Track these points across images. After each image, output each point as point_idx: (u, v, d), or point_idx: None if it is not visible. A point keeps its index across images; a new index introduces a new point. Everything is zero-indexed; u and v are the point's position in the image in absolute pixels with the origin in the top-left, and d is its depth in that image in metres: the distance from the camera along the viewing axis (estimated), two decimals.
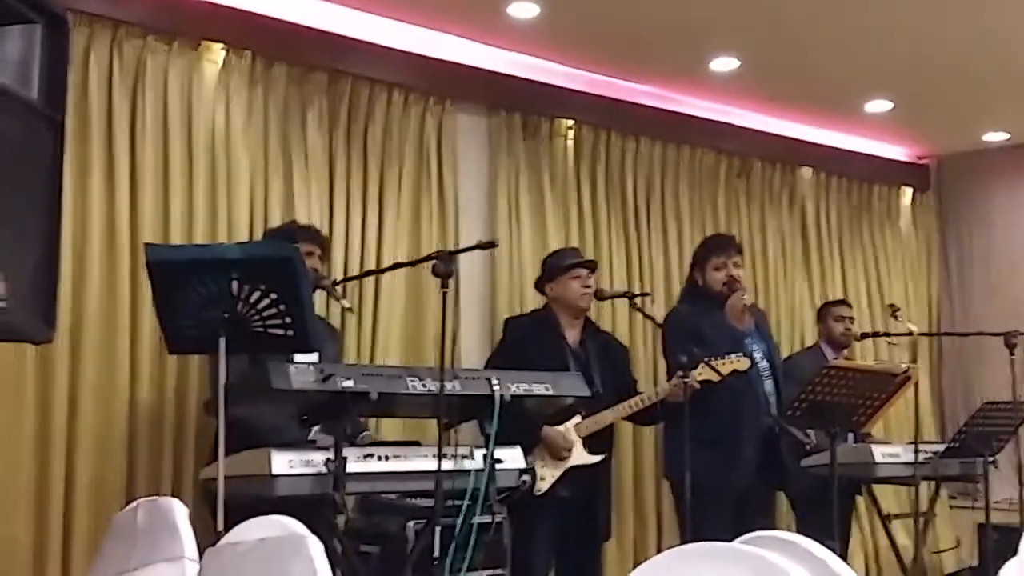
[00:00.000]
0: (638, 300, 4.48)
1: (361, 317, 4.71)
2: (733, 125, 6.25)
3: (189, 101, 4.39)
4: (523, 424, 3.80)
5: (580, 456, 4.18)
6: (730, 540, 1.55)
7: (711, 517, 3.84)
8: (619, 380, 4.43)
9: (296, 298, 2.98)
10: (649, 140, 5.95)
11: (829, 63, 5.50)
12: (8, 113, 2.11)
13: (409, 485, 3.40)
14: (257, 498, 2.95)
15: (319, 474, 3.04)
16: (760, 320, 4.68)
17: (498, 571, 3.97)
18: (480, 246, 3.68)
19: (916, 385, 4.43)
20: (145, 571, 2.11)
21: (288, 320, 2.99)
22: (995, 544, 4.67)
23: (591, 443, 4.21)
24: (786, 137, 6.52)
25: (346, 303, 3.99)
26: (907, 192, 7.29)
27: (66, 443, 3.94)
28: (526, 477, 3.50)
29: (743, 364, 4.20)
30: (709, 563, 1.43)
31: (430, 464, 3.18)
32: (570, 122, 5.62)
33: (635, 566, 1.45)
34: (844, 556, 4.69)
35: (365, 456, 3.16)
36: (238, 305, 2.95)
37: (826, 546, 1.57)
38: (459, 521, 3.22)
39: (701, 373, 4.06)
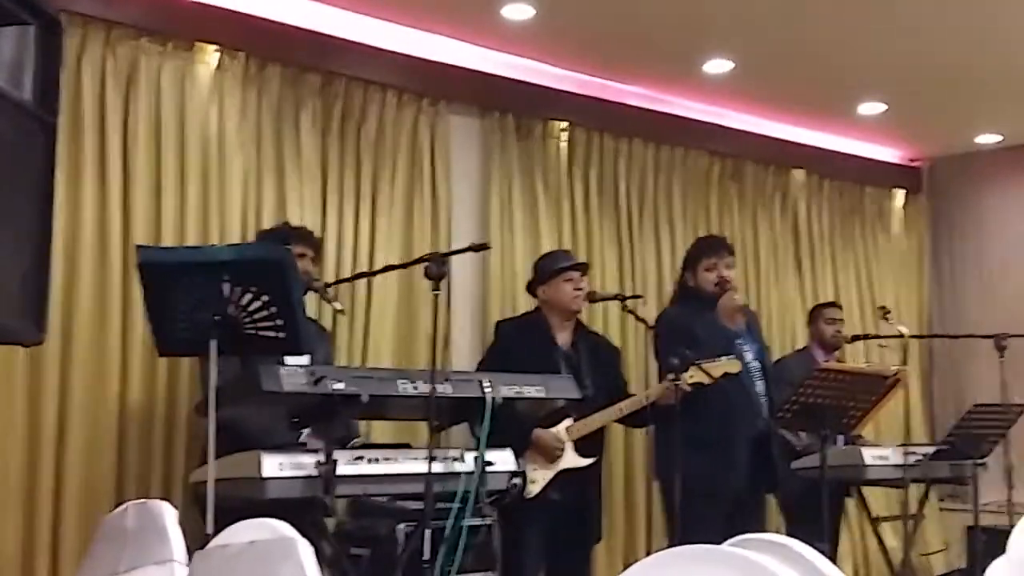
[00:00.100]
0: (630, 302, 4.48)
1: (353, 319, 4.71)
2: (726, 127, 6.26)
3: (182, 102, 4.38)
4: (514, 427, 3.81)
5: (571, 459, 4.18)
6: (720, 542, 1.55)
7: (701, 519, 3.84)
8: (610, 382, 4.43)
9: (287, 300, 2.98)
10: (642, 142, 5.96)
11: (822, 65, 5.52)
12: (1, 114, 2.11)
13: (399, 488, 3.39)
14: (247, 501, 2.94)
15: (309, 477, 3.03)
16: (751, 321, 4.69)
17: (488, 574, 3.97)
18: (473, 248, 3.68)
19: (906, 387, 4.44)
20: (134, 574, 2.11)
21: (279, 322, 2.99)
22: (984, 546, 4.68)
23: (582, 446, 4.21)
24: (779, 139, 6.53)
25: (338, 305, 3.99)
26: (899, 194, 7.31)
27: (56, 445, 3.93)
28: (516, 480, 3.50)
29: (734, 366, 4.21)
30: (699, 565, 1.43)
31: (421, 467, 3.17)
32: (563, 124, 5.63)
33: (625, 568, 1.45)
34: (834, 559, 4.71)
35: (355, 459, 3.16)
36: (229, 307, 2.95)
37: (816, 548, 1.57)
38: (449, 524, 3.22)
39: (692, 376, 4.06)
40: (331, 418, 3.16)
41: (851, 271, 6.95)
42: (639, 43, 5.26)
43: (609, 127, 5.81)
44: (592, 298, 4.49)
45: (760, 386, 4.48)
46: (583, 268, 4.50)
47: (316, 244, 4.21)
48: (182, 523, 2.15)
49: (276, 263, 3.00)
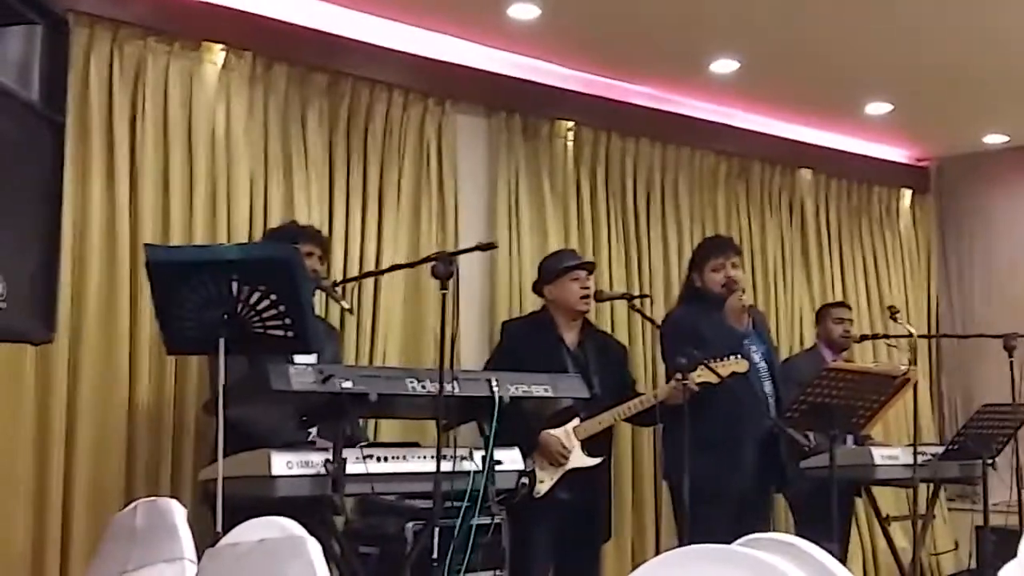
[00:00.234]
0: (637, 301, 4.48)
1: (361, 318, 4.71)
2: (733, 127, 6.25)
3: (189, 102, 4.39)
4: (522, 426, 3.81)
5: (579, 458, 4.17)
6: (729, 542, 1.55)
7: (710, 519, 3.83)
8: (617, 381, 4.42)
9: (296, 299, 2.98)
10: (649, 141, 5.95)
11: (828, 65, 5.51)
12: (8, 114, 2.12)
13: (408, 486, 3.39)
14: (256, 499, 2.95)
15: (318, 475, 3.04)
16: (758, 321, 4.68)
17: (497, 573, 3.97)
18: (480, 247, 3.67)
19: (915, 387, 4.43)
20: (143, 572, 2.11)
21: (288, 321, 2.99)
22: (993, 546, 4.68)
23: (590, 445, 4.21)
24: (786, 139, 6.52)
25: (345, 304, 3.99)
26: (907, 194, 7.30)
27: (65, 444, 3.94)
28: (525, 479, 3.49)
29: (742, 366, 4.20)
30: (707, 565, 1.43)
31: (429, 465, 3.17)
32: (570, 123, 5.63)
33: (633, 568, 1.45)
34: (844, 559, 4.70)
35: (364, 457, 3.16)
36: (238, 306, 2.95)
37: (825, 548, 1.57)
38: (458, 522, 3.22)
39: (700, 375, 4.05)
40: (340, 417, 3.16)
41: (859, 271, 6.94)
42: (645, 43, 5.26)
43: (616, 127, 5.81)
44: (599, 297, 4.48)
45: (768, 386, 4.47)
46: (589, 267, 4.50)
47: (324, 243, 4.21)
48: (191, 521, 2.15)
49: (284, 262, 3.00)
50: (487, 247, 3.76)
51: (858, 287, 6.89)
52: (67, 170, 2.43)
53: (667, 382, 4.25)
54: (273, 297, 2.96)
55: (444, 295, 3.22)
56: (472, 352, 4.98)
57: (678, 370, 3.99)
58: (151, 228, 4.22)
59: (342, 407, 3.13)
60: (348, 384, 3.08)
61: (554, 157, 5.55)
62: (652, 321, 4.40)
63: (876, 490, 4.98)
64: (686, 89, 5.91)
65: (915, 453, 4.52)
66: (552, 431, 4.14)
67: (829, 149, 6.75)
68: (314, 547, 1.71)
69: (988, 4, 4.81)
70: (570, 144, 5.63)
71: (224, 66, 4.49)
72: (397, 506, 3.96)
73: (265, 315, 2.98)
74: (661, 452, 4.25)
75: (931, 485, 4.92)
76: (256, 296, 2.95)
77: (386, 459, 3.20)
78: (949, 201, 7.42)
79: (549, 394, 3.61)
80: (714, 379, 4.06)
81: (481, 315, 5.20)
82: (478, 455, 3.32)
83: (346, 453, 3.08)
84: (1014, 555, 2.13)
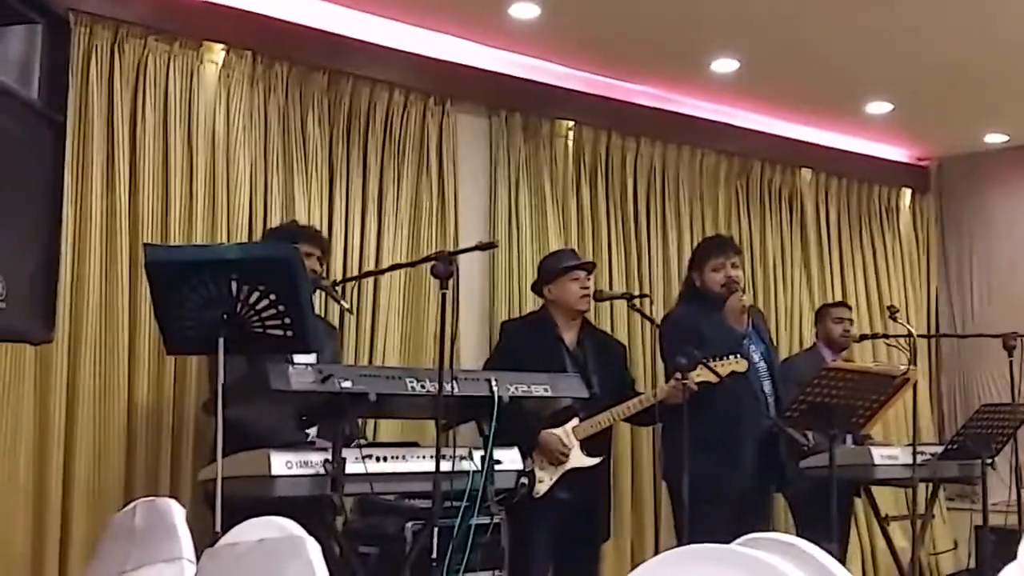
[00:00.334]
0: (637, 301, 4.48)
1: (360, 318, 4.71)
2: (733, 126, 6.25)
3: (189, 101, 4.39)
4: (522, 425, 3.81)
5: (578, 458, 4.18)
6: (728, 542, 1.55)
7: (709, 519, 3.83)
8: (617, 380, 4.43)
9: (295, 299, 2.99)
10: (649, 141, 5.95)
11: (829, 64, 5.50)
12: (9, 113, 2.12)
13: (407, 486, 3.40)
14: (255, 498, 2.95)
15: (318, 475, 3.04)
16: (758, 321, 4.68)
17: (496, 572, 3.97)
18: (480, 247, 3.67)
19: (915, 387, 4.43)
20: (143, 572, 2.11)
21: (287, 321, 2.99)
22: (992, 546, 4.67)
23: (589, 445, 4.21)
24: (786, 138, 6.52)
25: (345, 304, 3.99)
26: (907, 193, 7.30)
27: (64, 443, 3.94)
28: (524, 479, 3.49)
29: (742, 366, 4.20)
30: (706, 565, 1.43)
31: (428, 465, 3.17)
32: (570, 123, 5.63)
33: (633, 567, 1.45)
34: (843, 559, 4.70)
35: (364, 457, 3.16)
36: (237, 306, 2.96)
37: (824, 548, 1.57)
38: (457, 522, 3.22)
39: (699, 374, 4.06)
40: (339, 416, 3.16)
41: (859, 270, 6.94)
42: (646, 42, 5.26)
43: (616, 126, 5.81)
44: (599, 297, 4.49)
45: (767, 386, 4.48)
46: (589, 267, 4.50)
47: (324, 243, 4.21)
48: (190, 521, 2.15)
49: (284, 262, 3.00)
50: (487, 247, 3.76)
51: (858, 287, 6.88)
52: (67, 169, 2.43)
53: (666, 382, 4.25)
54: (272, 297, 2.96)
55: (444, 295, 3.22)
56: (472, 352, 4.98)
57: (677, 369, 3.99)
58: (150, 227, 4.22)
59: (342, 407, 3.13)
60: (348, 384, 3.08)
61: (554, 156, 5.55)
62: (652, 321, 4.40)
63: (875, 490, 4.98)
64: (686, 89, 5.91)
65: (914, 453, 4.52)
66: (551, 431, 4.15)
67: (830, 149, 6.75)
68: (313, 547, 1.71)
69: (988, 4, 4.81)
70: (570, 143, 5.63)
71: (225, 65, 4.49)
72: (396, 506, 3.96)
73: (264, 315, 2.99)
74: (660, 452, 4.25)
75: (930, 485, 4.92)
76: (256, 296, 2.96)
77: (385, 459, 3.20)
78: (949, 201, 7.41)
79: (548, 394, 3.61)
80: (713, 379, 4.07)
81: (481, 315, 5.21)
82: (477, 455, 3.32)
83: (345, 453, 3.08)
84: (1013, 555, 2.13)
